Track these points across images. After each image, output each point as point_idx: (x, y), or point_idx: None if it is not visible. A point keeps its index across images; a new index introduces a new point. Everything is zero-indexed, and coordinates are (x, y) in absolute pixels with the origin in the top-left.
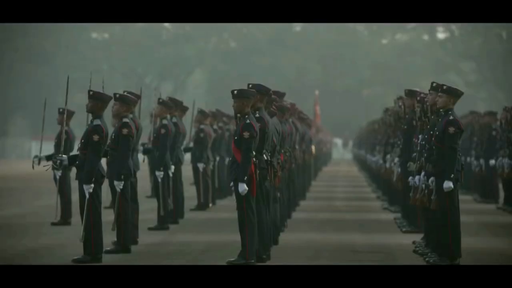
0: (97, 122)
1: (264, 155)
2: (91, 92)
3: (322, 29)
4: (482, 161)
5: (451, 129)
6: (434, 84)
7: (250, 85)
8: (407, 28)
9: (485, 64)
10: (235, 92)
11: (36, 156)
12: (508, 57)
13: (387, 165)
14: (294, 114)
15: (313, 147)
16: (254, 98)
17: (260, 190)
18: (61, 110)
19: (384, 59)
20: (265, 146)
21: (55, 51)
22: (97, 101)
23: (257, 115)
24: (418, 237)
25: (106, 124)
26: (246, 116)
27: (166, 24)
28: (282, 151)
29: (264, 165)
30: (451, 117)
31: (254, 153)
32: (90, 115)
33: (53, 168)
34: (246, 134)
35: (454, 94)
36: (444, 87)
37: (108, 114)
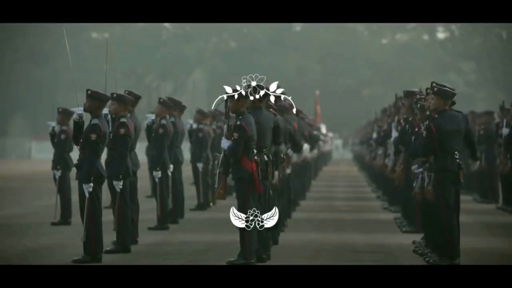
0: (95, 121)
1: (265, 156)
2: (89, 92)
3: (322, 29)
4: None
5: (424, 133)
6: (434, 84)
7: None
8: (407, 28)
9: (485, 64)
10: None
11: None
12: (508, 57)
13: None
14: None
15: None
16: (249, 98)
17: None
18: (60, 110)
19: (384, 59)
20: (263, 145)
21: (55, 51)
22: (94, 100)
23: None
24: (418, 237)
25: (105, 123)
26: (240, 117)
27: (166, 24)
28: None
29: (263, 166)
30: (426, 122)
31: (255, 151)
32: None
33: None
34: (235, 135)
35: (443, 95)
36: (435, 88)
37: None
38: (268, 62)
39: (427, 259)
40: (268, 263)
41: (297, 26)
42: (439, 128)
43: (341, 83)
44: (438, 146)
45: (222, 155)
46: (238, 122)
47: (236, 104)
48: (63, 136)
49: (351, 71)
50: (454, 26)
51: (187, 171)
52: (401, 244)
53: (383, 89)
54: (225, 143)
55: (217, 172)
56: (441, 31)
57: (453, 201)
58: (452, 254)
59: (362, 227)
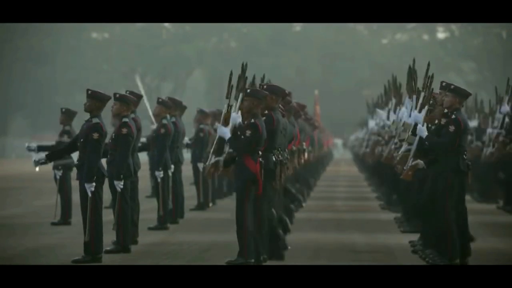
0: (96, 120)
1: (274, 156)
2: (89, 92)
3: (322, 29)
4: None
5: (451, 128)
6: (444, 84)
7: (265, 86)
8: (407, 28)
9: (485, 64)
10: (248, 90)
11: (31, 149)
12: (508, 57)
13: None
14: (301, 115)
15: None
16: (265, 100)
17: (264, 190)
18: (63, 110)
19: (384, 59)
20: (274, 145)
21: (55, 51)
22: (95, 100)
23: (266, 112)
24: (416, 237)
25: (105, 123)
26: (254, 117)
27: (166, 24)
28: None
29: (272, 166)
30: (453, 116)
31: (260, 152)
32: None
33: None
34: (247, 133)
35: (460, 94)
36: (452, 86)
37: (107, 113)
38: (268, 62)
39: (427, 259)
40: (268, 263)
41: (297, 26)
42: (465, 124)
43: (341, 83)
44: (457, 144)
45: (217, 136)
46: (253, 120)
47: (251, 104)
48: (65, 136)
49: (351, 71)
50: (454, 26)
51: (187, 171)
52: (401, 244)
53: (383, 89)
54: (222, 131)
55: (211, 150)
56: (441, 31)
57: (457, 201)
58: (452, 254)
59: (362, 227)
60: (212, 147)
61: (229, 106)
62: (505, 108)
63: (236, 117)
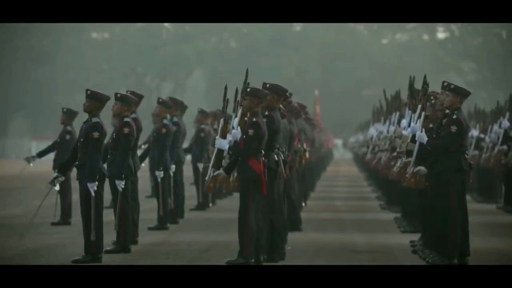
0: (95, 119)
1: (275, 155)
2: (88, 92)
3: (322, 29)
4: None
5: (453, 128)
6: (445, 84)
7: (268, 85)
8: (407, 28)
9: (485, 64)
10: (248, 89)
11: (31, 158)
12: (508, 57)
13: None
14: (301, 115)
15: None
16: (265, 99)
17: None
18: (65, 110)
19: (384, 59)
20: (275, 145)
21: (55, 51)
22: (94, 100)
23: (266, 113)
24: (416, 237)
25: (104, 123)
26: (255, 116)
27: (166, 24)
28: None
29: (273, 166)
30: (454, 116)
31: (263, 152)
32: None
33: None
34: (250, 132)
35: (460, 93)
36: (452, 86)
37: (107, 113)
38: (268, 62)
39: (427, 259)
40: (268, 263)
41: (297, 26)
42: (466, 123)
43: (341, 83)
44: (459, 143)
45: (215, 150)
46: (254, 119)
47: (251, 103)
48: (68, 137)
49: (351, 71)
50: (454, 26)
51: (187, 171)
52: (401, 244)
53: (383, 89)
54: (221, 143)
55: (210, 165)
56: (441, 31)
57: (459, 200)
58: (451, 254)
59: (362, 227)
60: (211, 161)
61: (226, 120)
62: (505, 123)
63: (237, 133)
